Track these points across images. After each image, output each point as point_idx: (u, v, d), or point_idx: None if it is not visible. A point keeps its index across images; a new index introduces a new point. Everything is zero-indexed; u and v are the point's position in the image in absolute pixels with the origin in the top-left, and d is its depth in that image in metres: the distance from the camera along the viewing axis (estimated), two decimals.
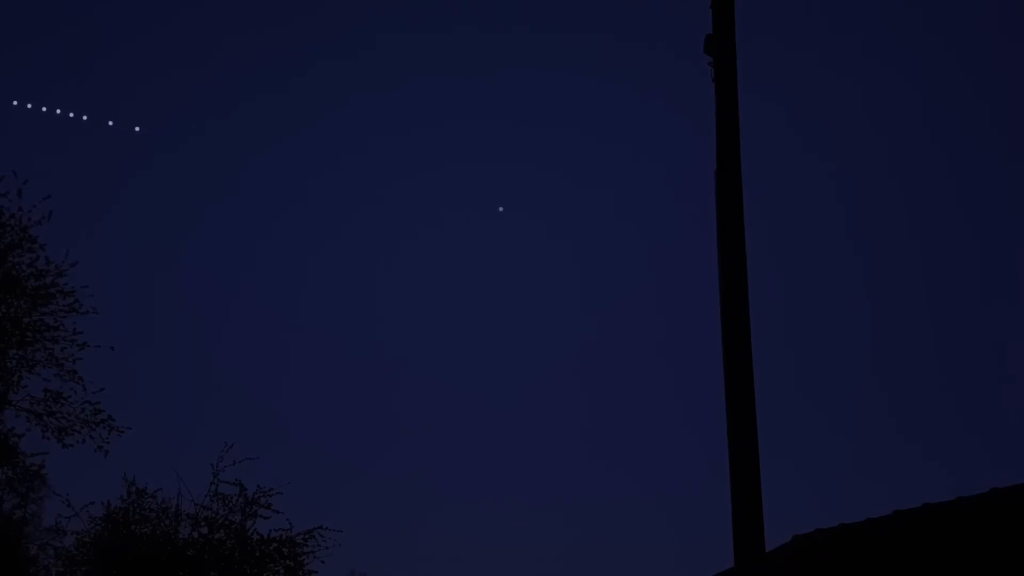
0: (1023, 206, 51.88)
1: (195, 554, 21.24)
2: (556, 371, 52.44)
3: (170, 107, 52.09)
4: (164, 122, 50.90)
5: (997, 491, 10.14)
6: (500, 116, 53.18)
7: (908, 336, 51.42)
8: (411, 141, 53.34)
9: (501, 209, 50.42)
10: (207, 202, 52.67)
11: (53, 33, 50.18)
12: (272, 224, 54.15)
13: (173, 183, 50.58)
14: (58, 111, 38.24)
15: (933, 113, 51.48)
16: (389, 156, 54.62)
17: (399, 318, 53.19)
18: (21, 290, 20.79)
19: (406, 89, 52.75)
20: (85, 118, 39.18)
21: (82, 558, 21.63)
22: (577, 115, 53.19)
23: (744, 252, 8.90)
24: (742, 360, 8.70)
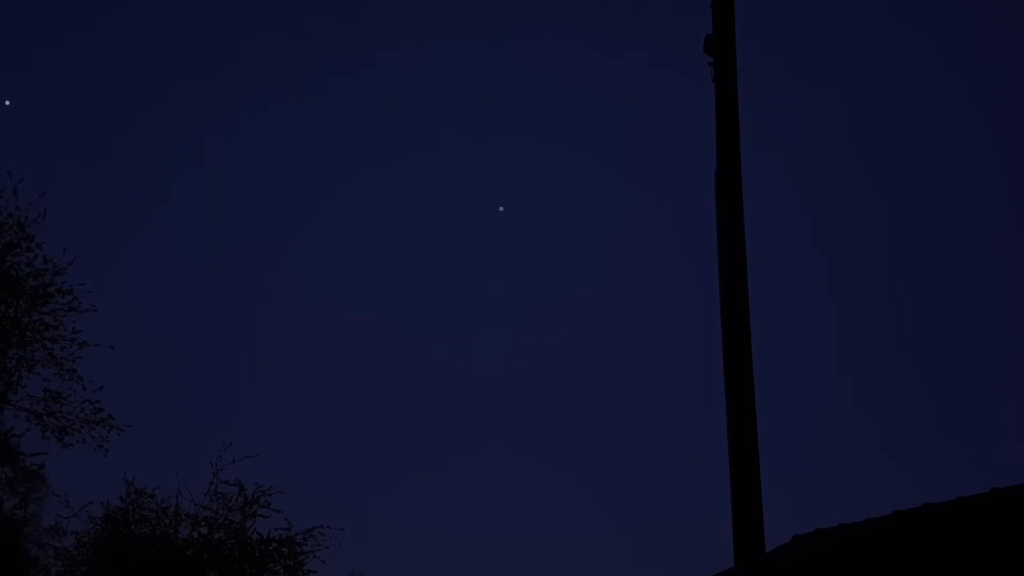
0: (997, 209, 51.95)
1: (195, 554, 21.21)
2: (556, 368, 52.41)
3: (181, 115, 52.21)
4: (183, 131, 51.07)
5: (997, 491, 10.13)
6: (502, 131, 53.39)
7: (876, 340, 51.52)
8: (438, 157, 53.58)
9: (501, 209, 50.63)
10: (241, 219, 52.95)
11: (70, 35, 50.23)
12: (303, 232, 54.30)
13: (210, 191, 50.77)
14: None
15: (912, 114, 51.52)
16: (410, 170, 54.85)
17: (401, 321, 53.17)
18: (20, 290, 20.72)
19: (422, 103, 52.94)
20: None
21: (82, 558, 21.60)
22: (566, 126, 53.33)
23: (744, 252, 8.88)
24: (742, 360, 8.69)
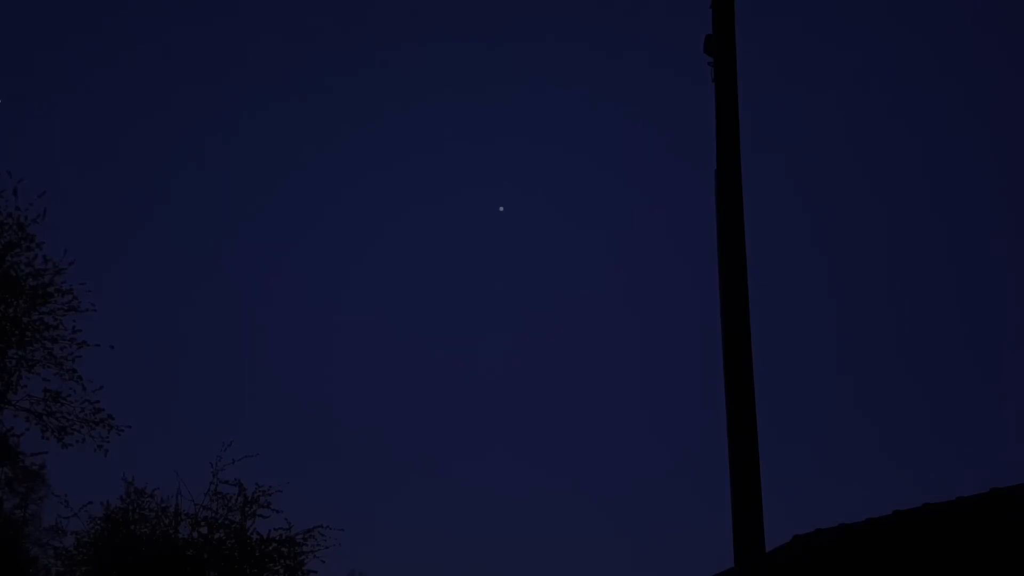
0: (997, 209, 51.95)
1: (195, 554, 21.21)
2: (556, 368, 52.41)
3: (181, 115, 52.27)
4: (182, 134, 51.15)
5: (997, 491, 10.13)
6: (503, 131, 53.45)
7: (876, 340, 51.50)
8: (441, 156, 53.56)
9: (501, 209, 50.72)
10: (241, 219, 53.05)
11: (70, 35, 50.26)
12: (303, 232, 54.32)
13: (210, 191, 50.86)
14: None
15: (912, 114, 51.53)
16: (410, 170, 54.94)
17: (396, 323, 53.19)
18: (20, 290, 20.70)
19: (423, 104, 53.01)
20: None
21: (82, 558, 21.60)
22: (563, 127, 53.40)
23: (744, 252, 8.88)
24: (742, 360, 8.68)
